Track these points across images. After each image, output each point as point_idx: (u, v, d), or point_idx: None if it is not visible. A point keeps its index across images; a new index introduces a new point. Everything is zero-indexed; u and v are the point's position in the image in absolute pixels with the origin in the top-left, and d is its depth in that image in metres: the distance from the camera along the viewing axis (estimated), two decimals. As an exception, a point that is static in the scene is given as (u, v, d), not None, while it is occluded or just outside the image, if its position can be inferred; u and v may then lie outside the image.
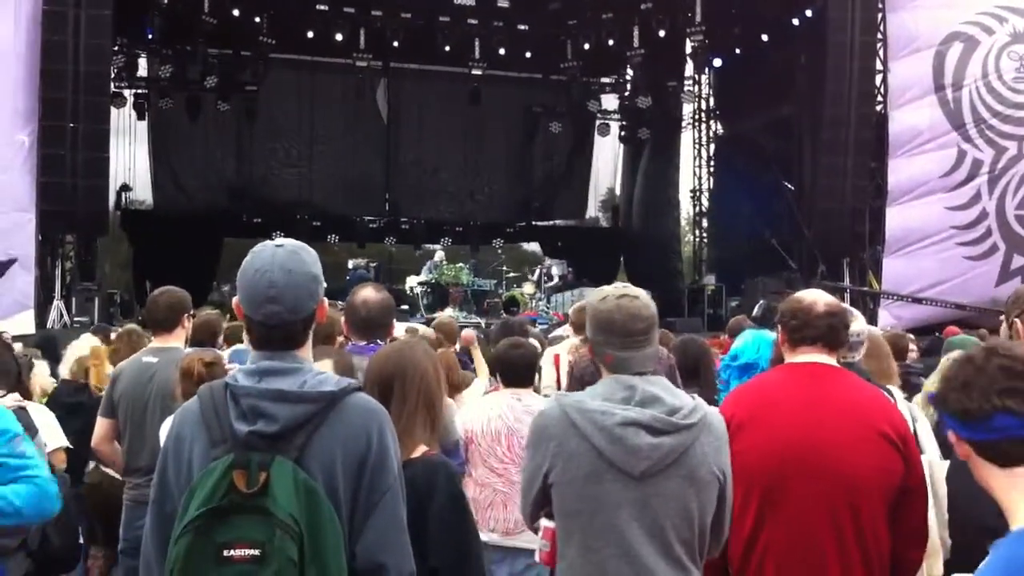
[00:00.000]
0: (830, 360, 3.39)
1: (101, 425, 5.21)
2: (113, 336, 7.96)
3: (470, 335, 7.29)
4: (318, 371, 2.43)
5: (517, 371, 4.99)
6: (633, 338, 2.88)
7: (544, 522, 3.07)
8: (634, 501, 2.79)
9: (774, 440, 3.25)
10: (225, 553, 2.15)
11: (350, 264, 21.37)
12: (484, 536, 4.75)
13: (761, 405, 3.37)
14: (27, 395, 5.23)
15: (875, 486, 3.16)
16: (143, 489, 4.97)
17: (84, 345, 6.94)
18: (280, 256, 2.40)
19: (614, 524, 2.79)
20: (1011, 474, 1.95)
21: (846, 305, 3.59)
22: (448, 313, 17.61)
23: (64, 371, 6.74)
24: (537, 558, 3.28)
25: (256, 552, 2.15)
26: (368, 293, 4.14)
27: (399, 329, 10.57)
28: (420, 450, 2.95)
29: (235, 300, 2.50)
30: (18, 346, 8.05)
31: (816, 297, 3.47)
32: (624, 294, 2.94)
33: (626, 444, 2.77)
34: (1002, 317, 3.59)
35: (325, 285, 2.54)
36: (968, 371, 2.00)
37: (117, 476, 5.52)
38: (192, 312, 5.57)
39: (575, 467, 2.82)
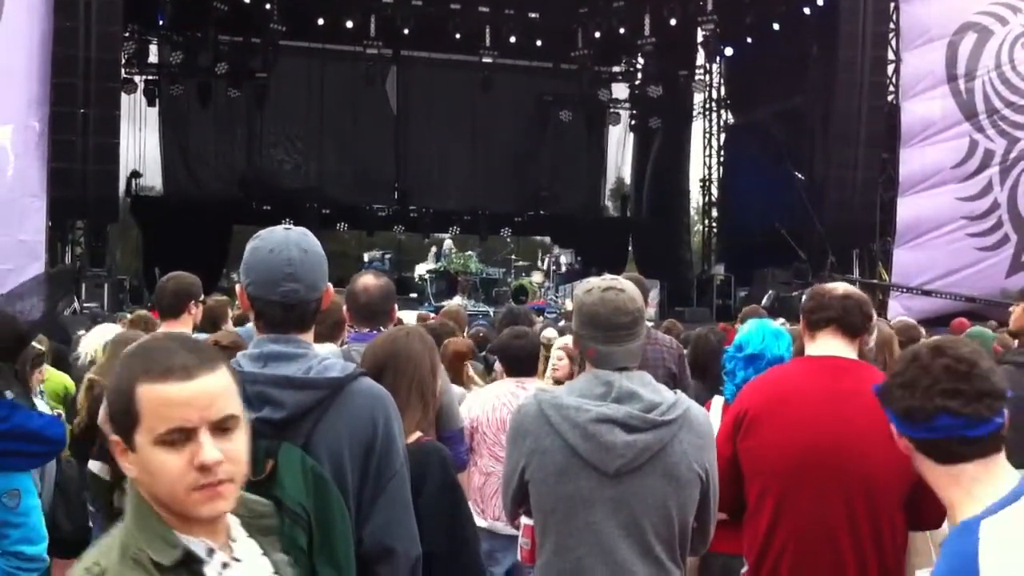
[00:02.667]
0: (849, 351, 3.32)
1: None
2: (124, 322, 7.95)
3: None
4: (323, 356, 2.43)
5: (520, 360, 4.98)
6: (617, 332, 2.78)
7: (524, 519, 3.04)
8: (610, 499, 2.73)
9: (791, 436, 3.21)
10: None
11: (365, 257, 21.37)
12: (488, 524, 4.76)
13: (777, 399, 3.31)
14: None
15: (892, 483, 3.09)
16: None
17: (106, 333, 6.89)
18: (293, 236, 2.41)
19: (589, 522, 2.74)
20: (950, 471, 1.98)
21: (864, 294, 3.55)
22: (457, 301, 17.60)
23: (84, 359, 6.70)
24: (519, 556, 3.27)
25: None
26: (368, 279, 4.13)
27: (411, 317, 10.56)
28: (414, 436, 2.95)
29: (239, 286, 2.48)
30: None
31: (837, 284, 3.45)
32: (610, 287, 2.85)
33: (600, 441, 2.70)
34: (1012, 308, 3.54)
35: None
36: (915, 370, 2.01)
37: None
38: (202, 299, 5.55)
39: (549, 464, 2.76)
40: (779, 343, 4.19)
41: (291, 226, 2.49)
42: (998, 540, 1.86)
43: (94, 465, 5.73)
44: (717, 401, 4.26)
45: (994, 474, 1.97)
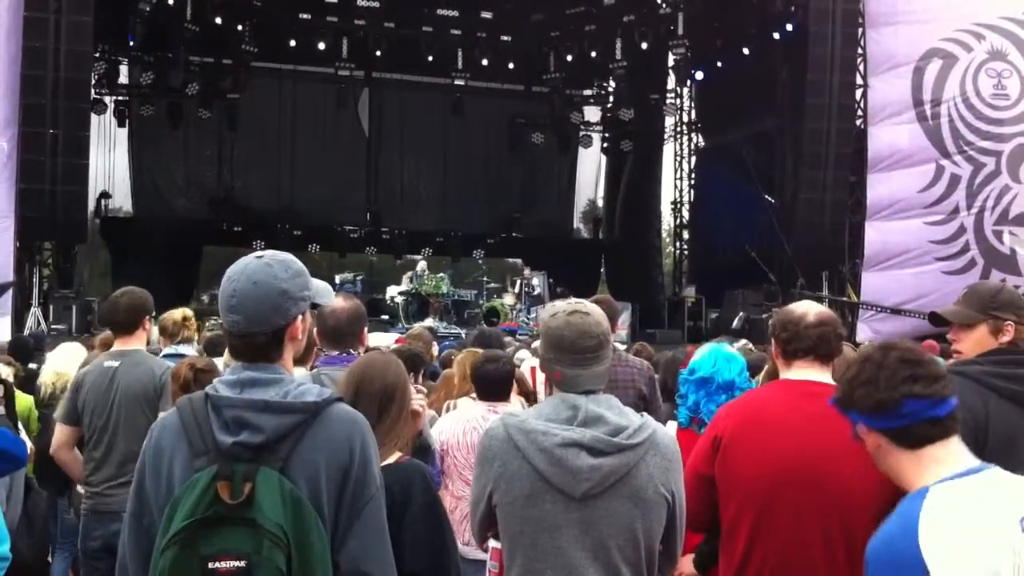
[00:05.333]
0: (823, 375, 3.33)
1: (61, 432, 5.06)
2: (95, 341, 7.89)
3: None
4: (299, 381, 2.43)
5: (493, 385, 4.96)
6: (582, 355, 2.81)
7: (492, 543, 3.03)
8: (576, 522, 2.74)
9: (767, 458, 3.21)
10: (210, 566, 2.14)
11: (337, 279, 21.30)
12: (459, 549, 4.73)
13: (752, 423, 3.32)
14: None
15: (866, 503, 3.06)
16: (100, 498, 4.88)
17: (71, 353, 6.82)
18: (252, 267, 2.40)
19: (557, 545, 2.75)
20: (917, 455, 2.18)
21: (832, 312, 3.55)
22: (428, 323, 17.57)
23: (46, 379, 6.64)
24: None
25: (241, 564, 2.13)
26: (336, 302, 4.11)
27: (386, 339, 10.48)
28: (394, 456, 2.96)
29: None
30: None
31: (807, 308, 3.43)
32: (575, 310, 2.86)
33: (566, 465, 2.72)
34: (982, 319, 3.52)
35: (314, 299, 2.51)
36: (869, 368, 2.23)
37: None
38: (154, 313, 5.48)
39: (517, 488, 2.77)
40: (731, 367, 4.21)
41: (265, 253, 2.47)
42: (941, 504, 2.04)
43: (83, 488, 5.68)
44: (671, 427, 4.26)
45: (952, 454, 2.15)
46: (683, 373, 4.38)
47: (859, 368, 2.24)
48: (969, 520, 2.01)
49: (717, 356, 4.27)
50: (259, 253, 2.46)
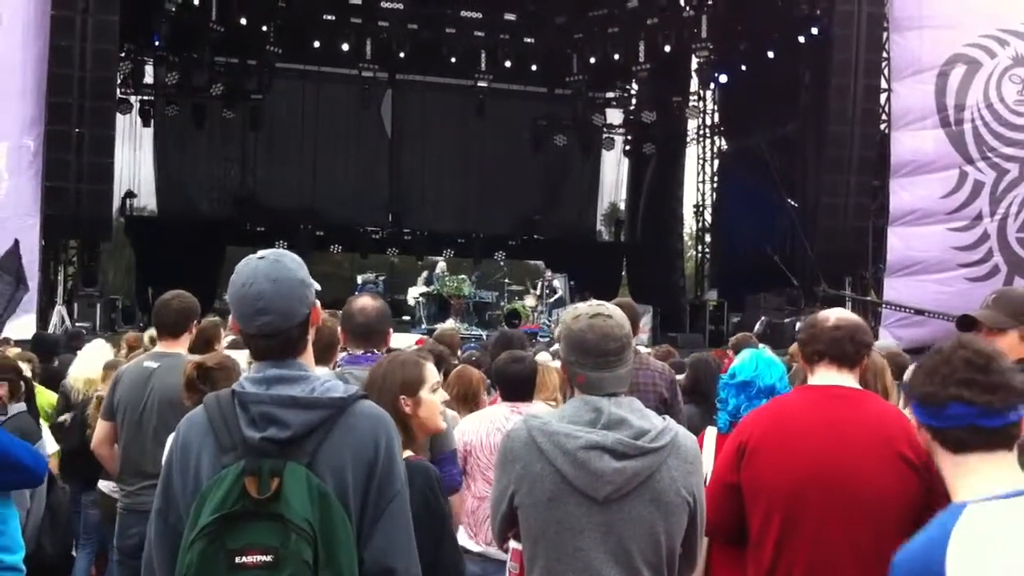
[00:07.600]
0: (848, 379, 3.31)
1: (101, 428, 5.15)
2: (126, 341, 7.95)
3: None
4: (325, 378, 2.45)
5: (516, 385, 4.96)
6: (606, 358, 2.79)
7: (513, 544, 3.03)
8: (598, 525, 2.73)
9: (793, 464, 3.20)
10: (237, 560, 2.16)
11: (359, 279, 21.37)
12: (481, 548, 4.75)
13: (778, 429, 3.31)
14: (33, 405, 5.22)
15: (896, 509, 3.07)
16: (136, 497, 4.92)
17: (98, 353, 6.86)
18: (263, 267, 2.41)
19: (578, 548, 2.74)
20: (957, 461, 2.08)
21: (860, 320, 3.45)
22: (449, 324, 17.59)
23: (76, 383, 6.67)
24: None
25: (268, 558, 2.16)
26: (365, 300, 4.14)
27: (407, 340, 10.50)
28: (405, 454, 2.98)
29: (231, 317, 2.51)
30: (16, 350, 8.06)
31: (831, 313, 3.40)
32: (598, 313, 2.85)
33: (589, 468, 2.72)
34: (1015, 325, 3.46)
35: (317, 287, 2.55)
36: (936, 360, 2.14)
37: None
38: (198, 319, 5.55)
39: (539, 490, 2.77)
40: (771, 372, 4.21)
41: (265, 253, 2.48)
42: (977, 525, 1.91)
43: (105, 485, 5.73)
44: (711, 432, 4.26)
45: (997, 469, 2.04)
46: (723, 377, 4.38)
47: (929, 358, 2.17)
48: (1004, 547, 1.90)
49: (759, 360, 4.27)
50: (259, 255, 2.46)
